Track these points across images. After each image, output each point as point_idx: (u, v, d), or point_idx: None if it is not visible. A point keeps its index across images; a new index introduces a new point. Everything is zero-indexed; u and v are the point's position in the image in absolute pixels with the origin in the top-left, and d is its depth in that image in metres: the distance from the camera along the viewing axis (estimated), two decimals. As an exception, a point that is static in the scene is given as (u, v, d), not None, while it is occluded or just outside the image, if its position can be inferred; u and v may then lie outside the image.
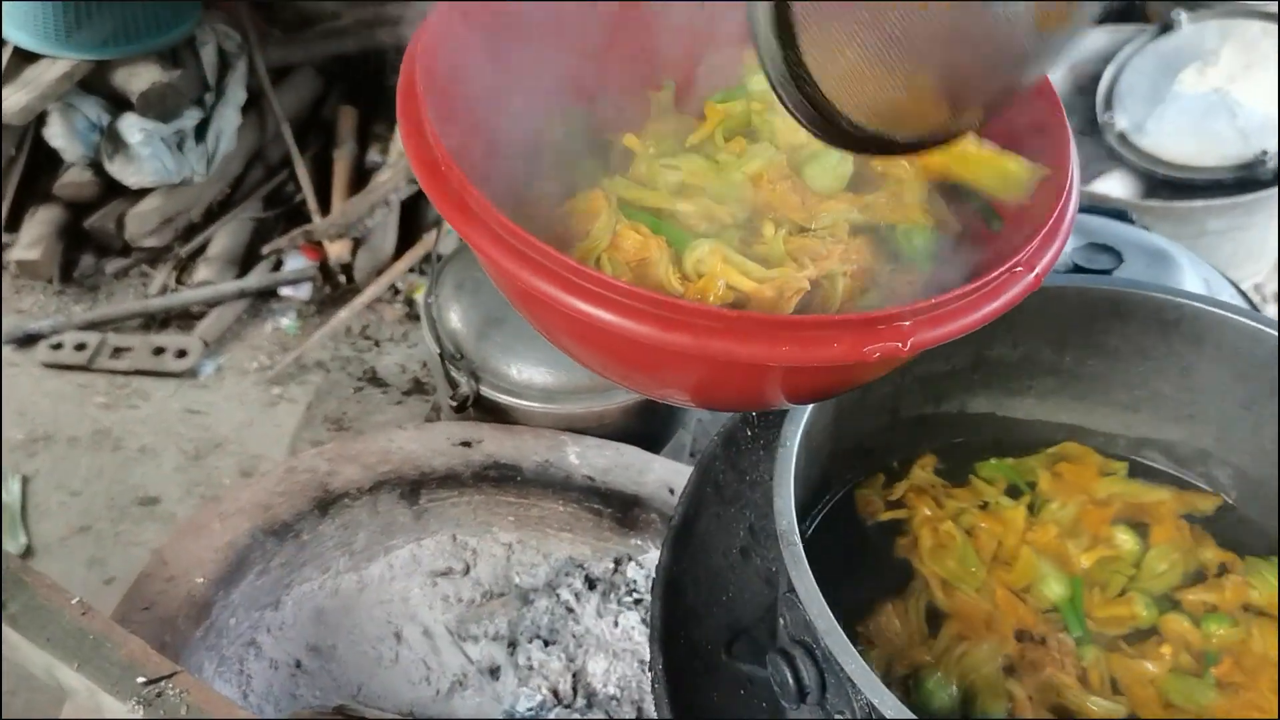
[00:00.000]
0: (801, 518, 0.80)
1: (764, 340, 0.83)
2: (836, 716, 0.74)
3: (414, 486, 1.26)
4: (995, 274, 0.88)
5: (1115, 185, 2.89)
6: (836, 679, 0.73)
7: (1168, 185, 2.91)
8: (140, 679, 0.98)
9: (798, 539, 0.77)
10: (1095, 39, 3.33)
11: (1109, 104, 3.07)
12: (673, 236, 0.96)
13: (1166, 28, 3.17)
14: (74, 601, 1.04)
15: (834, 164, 0.98)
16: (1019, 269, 0.89)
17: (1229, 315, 0.93)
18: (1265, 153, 2.78)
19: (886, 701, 0.69)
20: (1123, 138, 2.98)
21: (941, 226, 1.00)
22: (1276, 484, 0.96)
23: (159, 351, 2.79)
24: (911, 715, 0.68)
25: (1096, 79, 3.16)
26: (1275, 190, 2.73)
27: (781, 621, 0.81)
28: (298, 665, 1.20)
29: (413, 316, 2.32)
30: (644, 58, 1.09)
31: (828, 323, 0.85)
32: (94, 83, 2.88)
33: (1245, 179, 2.79)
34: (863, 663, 0.71)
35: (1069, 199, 0.93)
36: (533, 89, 1.04)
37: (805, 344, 0.83)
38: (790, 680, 0.75)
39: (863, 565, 0.95)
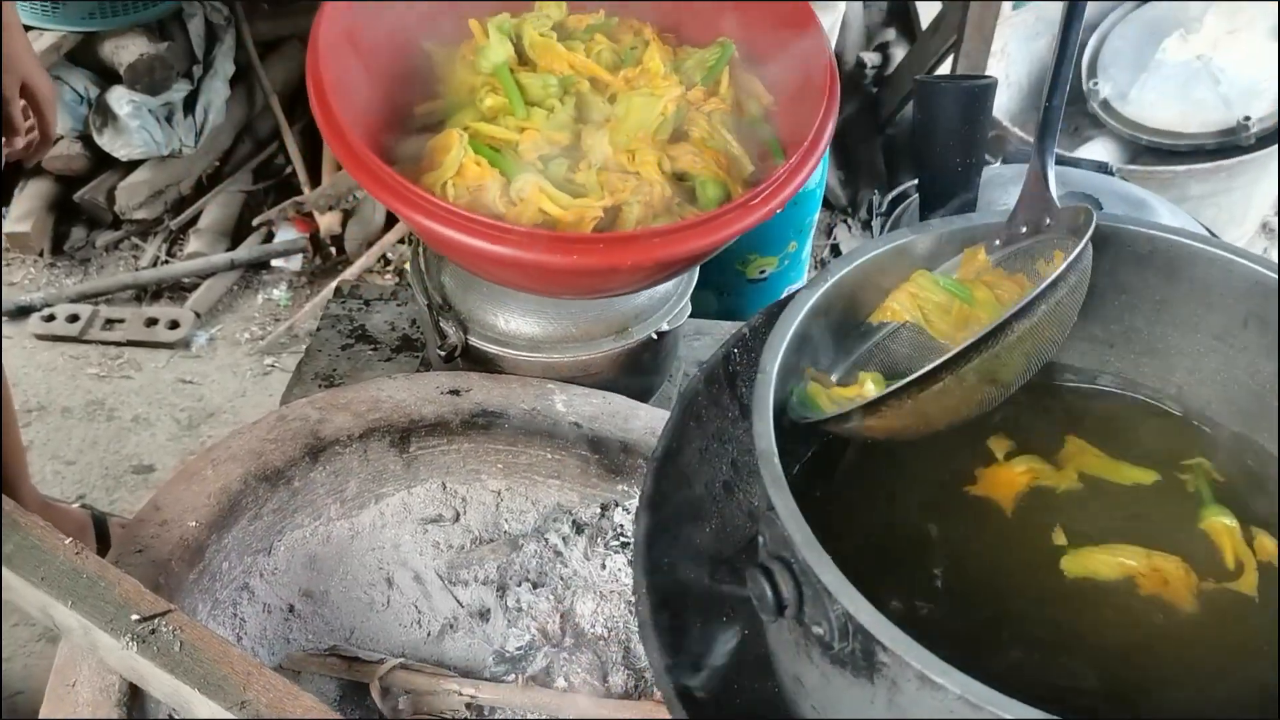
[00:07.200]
0: (785, 461, 0.80)
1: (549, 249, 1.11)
2: (814, 627, 0.76)
3: (404, 434, 1.28)
4: (724, 208, 1.15)
5: (1099, 151, 2.91)
6: (813, 590, 0.75)
7: (1151, 151, 2.93)
8: (134, 616, 1.00)
9: (776, 458, 0.79)
10: (1080, 7, 3.33)
11: (1093, 72, 3.08)
12: (505, 168, 1.21)
13: (1149, -5, 3.18)
14: (67, 542, 1.06)
15: (652, 123, 1.27)
16: (753, 203, 1.16)
17: (1201, 246, 0.95)
18: (1248, 118, 2.80)
19: (862, 609, 0.71)
20: (1106, 105, 3.00)
21: (737, 176, 1.29)
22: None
23: (151, 323, 2.80)
24: (888, 621, 0.70)
25: (1081, 47, 3.18)
26: (1256, 155, 2.75)
27: (761, 540, 0.83)
28: (291, 610, 1.22)
29: (404, 285, 2.34)
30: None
31: (590, 238, 1.16)
32: (82, 55, 2.87)
33: (1227, 144, 2.81)
34: (838, 573, 0.73)
35: (806, 158, 1.20)
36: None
37: (577, 253, 1.11)
38: (769, 594, 0.77)
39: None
